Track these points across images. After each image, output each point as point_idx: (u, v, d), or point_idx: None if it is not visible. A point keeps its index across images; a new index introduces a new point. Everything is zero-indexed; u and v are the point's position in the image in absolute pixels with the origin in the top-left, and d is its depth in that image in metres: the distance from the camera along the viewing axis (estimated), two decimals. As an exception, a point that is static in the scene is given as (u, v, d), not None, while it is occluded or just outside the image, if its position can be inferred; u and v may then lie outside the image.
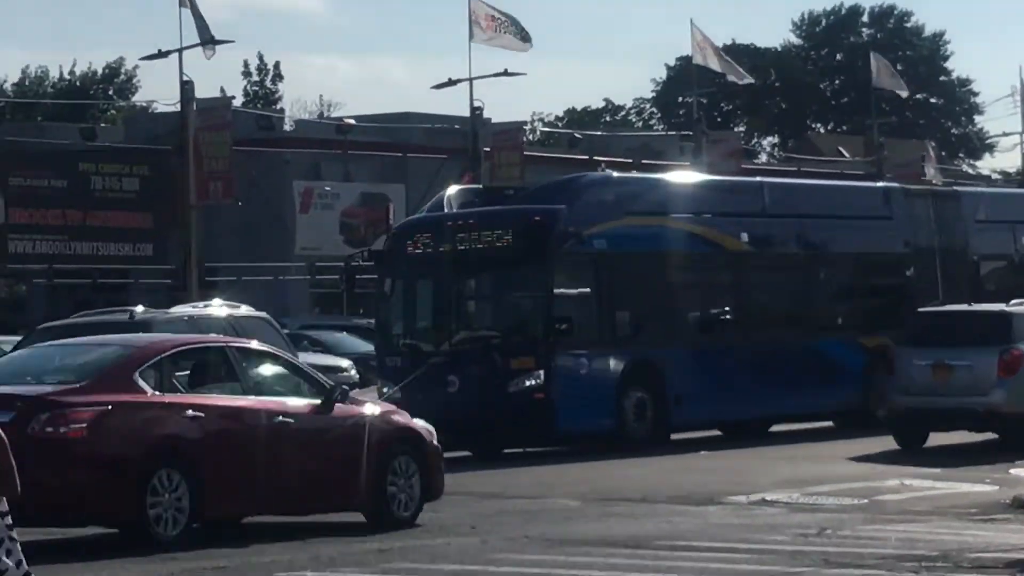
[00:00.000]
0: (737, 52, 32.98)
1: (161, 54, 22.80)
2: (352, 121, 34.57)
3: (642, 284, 16.74)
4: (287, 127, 36.30)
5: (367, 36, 68.18)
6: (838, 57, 44.14)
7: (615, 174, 21.82)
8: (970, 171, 39.99)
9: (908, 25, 44.38)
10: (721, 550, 7.85)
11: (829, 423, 18.66)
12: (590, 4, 66.02)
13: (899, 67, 32.26)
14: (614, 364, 16.13)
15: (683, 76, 34.47)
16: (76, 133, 31.09)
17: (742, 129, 39.32)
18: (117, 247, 32.41)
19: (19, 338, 15.40)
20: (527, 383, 15.25)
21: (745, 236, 18.07)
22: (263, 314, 15.66)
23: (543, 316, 15.51)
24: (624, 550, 7.76)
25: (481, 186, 22.94)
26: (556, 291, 15.52)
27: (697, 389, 16.80)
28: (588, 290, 16.04)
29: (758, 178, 23.41)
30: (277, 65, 45.08)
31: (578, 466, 14.98)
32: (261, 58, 44.53)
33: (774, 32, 44.40)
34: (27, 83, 39.18)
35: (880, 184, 24.21)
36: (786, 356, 17.87)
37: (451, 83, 27.01)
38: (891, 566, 6.83)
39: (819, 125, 44.92)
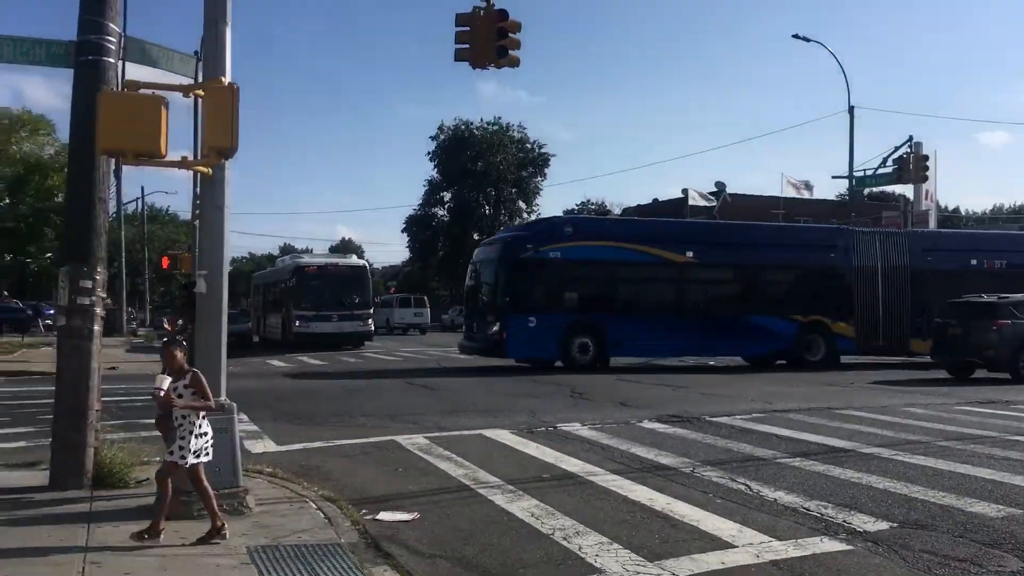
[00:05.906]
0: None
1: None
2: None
3: (588, 277, 23.79)
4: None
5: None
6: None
7: (568, 216, 32.63)
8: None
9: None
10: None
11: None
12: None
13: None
14: (560, 321, 23.41)
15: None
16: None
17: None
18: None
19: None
20: (493, 329, 23.63)
21: (690, 252, 24.78)
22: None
23: (502, 291, 23.72)
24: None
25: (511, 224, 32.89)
26: (511, 279, 23.46)
27: (630, 338, 23.82)
28: (541, 279, 23.48)
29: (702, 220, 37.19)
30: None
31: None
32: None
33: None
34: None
35: (835, 226, 29.77)
36: (716, 323, 24.48)
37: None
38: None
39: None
